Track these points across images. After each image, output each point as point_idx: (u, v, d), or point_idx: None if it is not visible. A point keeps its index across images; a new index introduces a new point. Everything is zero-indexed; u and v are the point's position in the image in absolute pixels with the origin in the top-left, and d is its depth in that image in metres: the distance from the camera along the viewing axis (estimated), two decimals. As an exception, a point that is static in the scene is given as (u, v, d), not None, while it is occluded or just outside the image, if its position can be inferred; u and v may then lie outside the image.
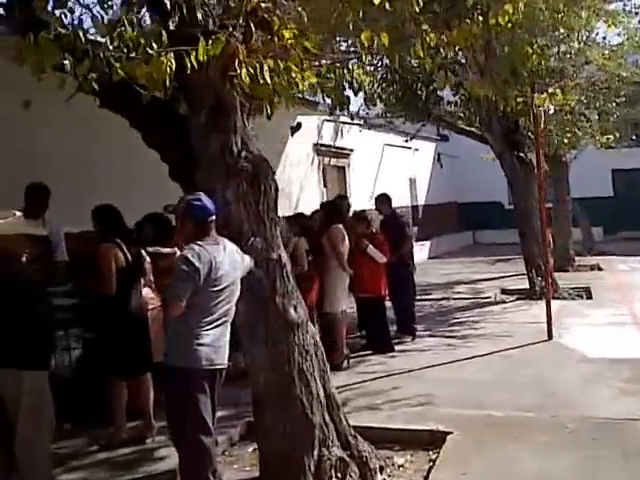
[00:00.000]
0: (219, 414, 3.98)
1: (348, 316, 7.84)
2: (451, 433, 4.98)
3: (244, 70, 3.96)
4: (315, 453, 4.19)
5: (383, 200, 8.85)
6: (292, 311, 4.33)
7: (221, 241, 3.84)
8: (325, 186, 13.65)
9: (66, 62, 3.35)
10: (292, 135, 6.64)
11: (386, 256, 7.81)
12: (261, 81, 3.97)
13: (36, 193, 5.51)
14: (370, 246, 7.70)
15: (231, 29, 3.95)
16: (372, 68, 9.41)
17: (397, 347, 7.94)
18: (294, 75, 4.09)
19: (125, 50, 3.49)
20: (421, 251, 16.98)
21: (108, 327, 5.18)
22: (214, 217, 3.84)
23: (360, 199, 12.94)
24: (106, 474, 4.77)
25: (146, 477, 4.70)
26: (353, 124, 14.26)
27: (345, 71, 4.71)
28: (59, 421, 4.41)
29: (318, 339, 4.57)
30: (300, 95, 5.25)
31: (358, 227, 7.85)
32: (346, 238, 7.47)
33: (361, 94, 5.78)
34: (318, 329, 5.54)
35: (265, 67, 3.97)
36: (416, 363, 7.19)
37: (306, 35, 4.22)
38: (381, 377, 6.78)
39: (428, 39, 4.59)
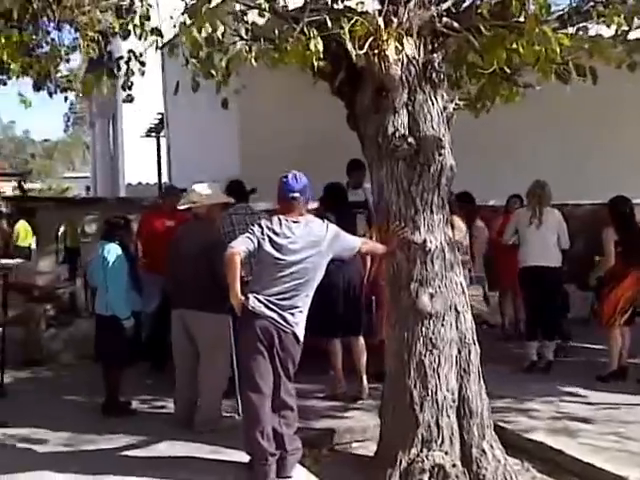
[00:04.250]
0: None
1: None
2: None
3: (391, 46, 3.96)
4: (413, 451, 3.90)
5: None
6: (425, 299, 4.08)
7: (303, 220, 3.98)
8: None
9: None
10: None
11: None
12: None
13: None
14: None
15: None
16: None
17: None
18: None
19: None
20: None
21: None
22: (296, 195, 3.98)
23: None
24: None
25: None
26: None
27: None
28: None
29: (471, 337, 4.18)
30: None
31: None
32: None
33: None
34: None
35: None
36: None
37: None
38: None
39: None
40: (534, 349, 6.64)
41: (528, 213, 6.65)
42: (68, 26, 9.16)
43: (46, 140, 46.27)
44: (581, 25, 4.56)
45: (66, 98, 7.63)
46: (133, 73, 5.54)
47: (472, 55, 4.52)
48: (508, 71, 4.58)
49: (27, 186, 22.46)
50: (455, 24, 4.45)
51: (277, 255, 3.89)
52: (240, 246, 3.89)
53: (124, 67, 5.37)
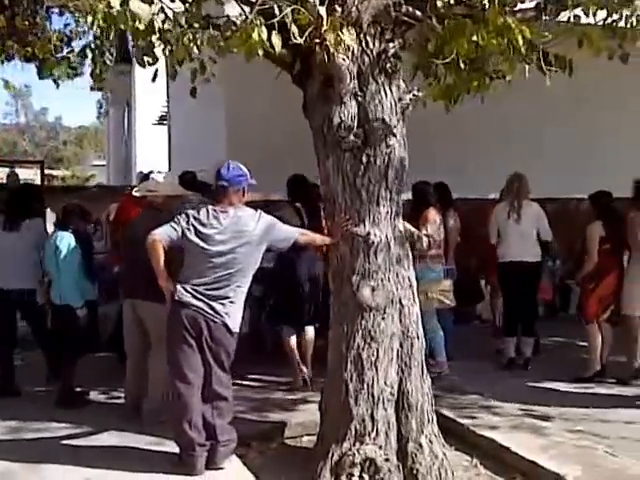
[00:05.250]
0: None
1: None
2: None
3: (330, 36, 3.90)
4: (345, 445, 3.86)
5: None
6: (366, 292, 4.03)
7: (232, 210, 3.95)
8: None
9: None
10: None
11: None
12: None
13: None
14: None
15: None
16: None
17: None
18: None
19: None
20: None
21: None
22: (225, 184, 3.98)
23: None
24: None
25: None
26: None
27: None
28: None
29: (415, 331, 4.12)
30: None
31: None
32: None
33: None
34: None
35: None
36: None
37: None
38: None
39: None
40: (512, 345, 6.55)
41: (506, 207, 6.54)
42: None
43: (81, 127, 46.62)
44: (573, 14, 4.48)
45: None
46: (104, 62, 5.56)
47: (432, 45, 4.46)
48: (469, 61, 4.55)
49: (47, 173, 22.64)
50: (418, 12, 4.38)
51: (203, 245, 3.87)
52: (162, 234, 3.91)
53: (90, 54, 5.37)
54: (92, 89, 21.06)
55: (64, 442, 4.43)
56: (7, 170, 11.63)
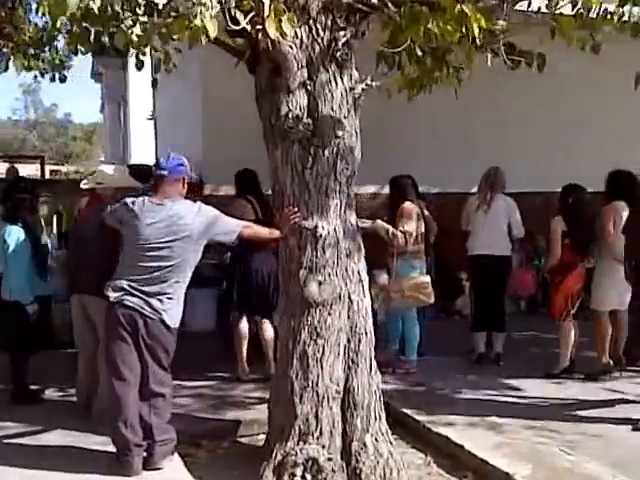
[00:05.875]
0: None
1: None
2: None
3: (270, 23, 3.78)
4: (289, 444, 3.76)
5: None
6: (313, 287, 3.92)
7: (169, 202, 3.84)
8: None
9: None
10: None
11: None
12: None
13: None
14: None
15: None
16: None
17: None
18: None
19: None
20: None
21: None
22: (163, 172, 3.88)
23: None
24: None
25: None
26: None
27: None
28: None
29: (363, 327, 4.01)
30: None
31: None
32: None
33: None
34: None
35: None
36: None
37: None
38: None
39: None
40: (481, 340, 6.43)
41: (478, 199, 6.42)
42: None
43: (91, 124, 46.73)
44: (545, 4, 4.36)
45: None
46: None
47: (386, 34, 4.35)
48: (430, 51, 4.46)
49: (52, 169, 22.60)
50: (373, 0, 4.27)
51: (137, 238, 3.77)
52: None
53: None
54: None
55: (9, 441, 4.34)
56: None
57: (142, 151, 16.76)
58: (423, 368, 6.03)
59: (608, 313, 5.82)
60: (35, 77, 6.82)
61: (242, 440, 4.64)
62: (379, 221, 6.04)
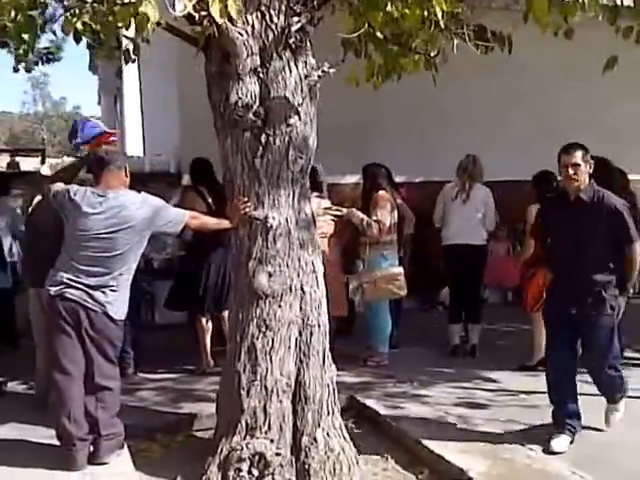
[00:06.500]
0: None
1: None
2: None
3: (215, 8, 3.68)
4: (235, 439, 3.68)
5: None
6: (262, 279, 3.82)
7: (112, 193, 3.74)
8: None
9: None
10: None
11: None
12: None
13: None
14: None
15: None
16: None
17: None
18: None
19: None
20: None
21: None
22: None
23: None
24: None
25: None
26: None
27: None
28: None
29: (315, 319, 3.92)
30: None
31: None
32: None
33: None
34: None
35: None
36: None
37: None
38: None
39: None
40: (456, 332, 6.33)
41: (455, 188, 6.31)
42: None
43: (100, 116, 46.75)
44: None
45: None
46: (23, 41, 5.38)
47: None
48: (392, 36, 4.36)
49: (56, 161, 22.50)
50: (331, -16, 4.17)
51: (78, 228, 3.69)
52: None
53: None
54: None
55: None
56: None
57: (137, 143, 16.72)
58: (396, 360, 5.95)
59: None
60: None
61: (197, 434, 4.56)
62: (354, 210, 5.96)
